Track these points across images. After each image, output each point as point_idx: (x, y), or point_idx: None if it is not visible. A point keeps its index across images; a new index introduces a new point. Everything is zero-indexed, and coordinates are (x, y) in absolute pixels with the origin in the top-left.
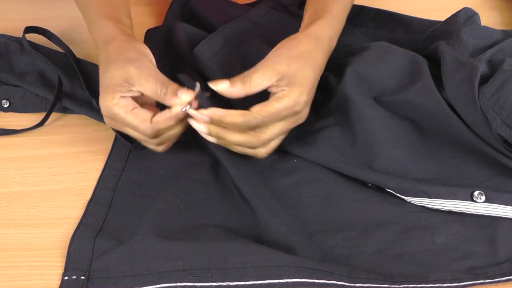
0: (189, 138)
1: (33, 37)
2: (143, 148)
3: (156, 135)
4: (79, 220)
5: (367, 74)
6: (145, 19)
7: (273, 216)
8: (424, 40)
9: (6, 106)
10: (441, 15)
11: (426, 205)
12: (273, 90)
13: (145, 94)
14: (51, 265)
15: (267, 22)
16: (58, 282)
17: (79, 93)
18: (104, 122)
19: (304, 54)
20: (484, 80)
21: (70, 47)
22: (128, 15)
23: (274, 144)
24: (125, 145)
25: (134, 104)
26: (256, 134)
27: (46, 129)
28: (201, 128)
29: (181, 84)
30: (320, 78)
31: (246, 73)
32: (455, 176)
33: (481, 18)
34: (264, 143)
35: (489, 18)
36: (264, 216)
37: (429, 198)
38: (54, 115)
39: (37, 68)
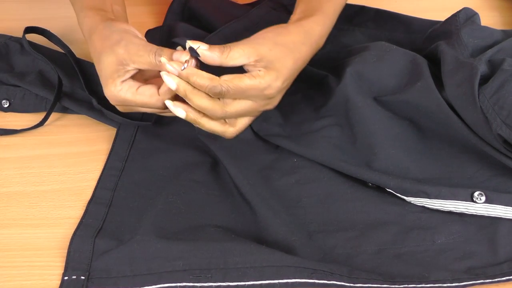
0: (189, 139)
1: (33, 37)
2: (163, 123)
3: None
4: (79, 220)
5: (367, 74)
6: (145, 19)
7: (273, 216)
8: (424, 40)
9: (6, 106)
10: (441, 15)
11: (426, 205)
12: (249, 69)
13: (143, 68)
14: (51, 265)
15: (267, 22)
16: (58, 282)
17: (79, 93)
18: (104, 122)
19: (289, 44)
20: (484, 80)
21: (70, 47)
22: (118, 1)
23: (241, 124)
24: (132, 129)
25: (137, 83)
26: (222, 104)
27: (46, 129)
28: (171, 82)
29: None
30: (320, 78)
31: (228, 44)
32: (455, 176)
33: (481, 18)
34: (230, 117)
35: (489, 18)
36: (264, 216)
37: (429, 198)
38: (54, 115)
39: (37, 68)
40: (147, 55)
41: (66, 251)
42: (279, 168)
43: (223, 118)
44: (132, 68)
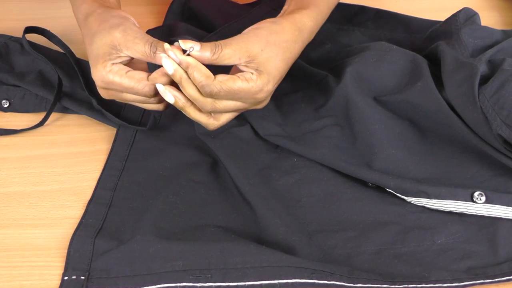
0: (188, 138)
1: (33, 37)
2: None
3: (155, 92)
4: (79, 220)
5: (367, 74)
6: (145, 19)
7: (273, 216)
8: (424, 40)
9: (6, 106)
10: (441, 15)
11: (426, 205)
12: (241, 68)
13: (135, 57)
14: (51, 265)
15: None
16: (58, 282)
17: (79, 93)
18: (104, 122)
19: (282, 44)
20: (484, 80)
21: (70, 47)
22: None
23: (225, 119)
24: (131, 129)
25: (127, 68)
26: (213, 99)
27: (46, 129)
28: (169, 66)
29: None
30: (320, 78)
31: (219, 42)
32: (455, 176)
33: (481, 18)
34: (217, 112)
35: (489, 18)
36: (264, 216)
37: (429, 198)
38: (54, 115)
39: (37, 68)
40: (143, 44)
41: (66, 251)
42: (279, 167)
43: (211, 112)
44: (124, 55)
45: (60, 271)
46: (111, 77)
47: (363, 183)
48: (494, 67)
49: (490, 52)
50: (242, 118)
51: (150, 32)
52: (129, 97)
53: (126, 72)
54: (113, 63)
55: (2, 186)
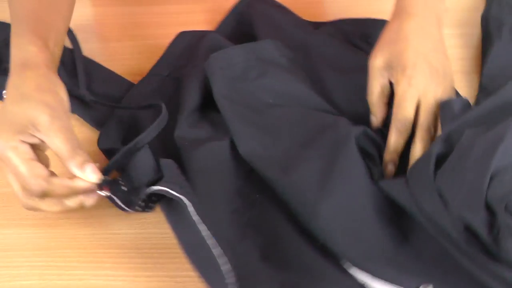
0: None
1: None
2: None
3: (43, 194)
4: (79, 220)
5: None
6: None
7: None
8: None
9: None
10: None
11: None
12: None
13: (49, 146)
14: (51, 265)
15: (321, 48)
16: (58, 282)
17: (76, 92)
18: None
19: (392, 35)
20: (443, 158)
21: (69, 47)
22: (59, 42)
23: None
24: None
25: (32, 154)
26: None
27: None
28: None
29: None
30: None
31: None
32: (409, 261)
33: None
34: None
35: None
36: None
37: (373, 275)
38: None
39: None
40: (63, 142)
41: (66, 251)
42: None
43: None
44: (40, 138)
45: (60, 271)
46: (10, 154)
47: (312, 239)
48: (452, 143)
49: (447, 129)
50: (224, 132)
51: (181, 34)
52: (12, 181)
53: (28, 159)
54: (22, 140)
55: (2, 186)
